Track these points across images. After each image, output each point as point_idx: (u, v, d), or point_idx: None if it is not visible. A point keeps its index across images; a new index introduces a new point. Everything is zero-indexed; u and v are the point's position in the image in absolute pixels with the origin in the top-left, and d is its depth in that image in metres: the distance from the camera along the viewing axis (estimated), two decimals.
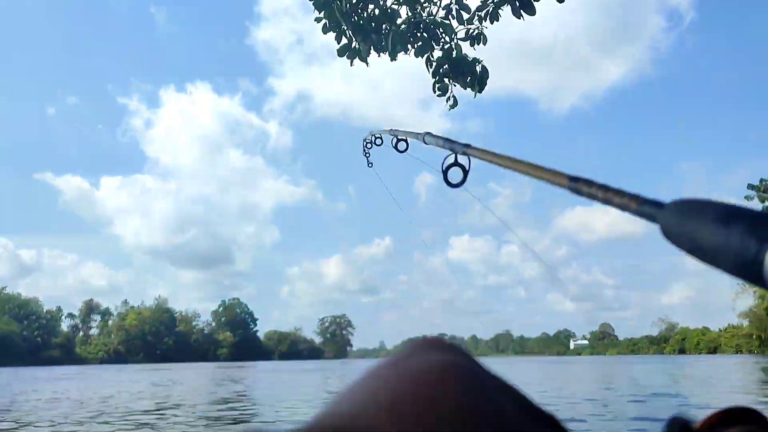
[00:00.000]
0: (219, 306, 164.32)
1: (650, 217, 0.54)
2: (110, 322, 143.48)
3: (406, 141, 1.56)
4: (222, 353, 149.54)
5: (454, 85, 5.08)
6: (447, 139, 1.09)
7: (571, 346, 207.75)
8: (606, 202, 0.63)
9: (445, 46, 5.38)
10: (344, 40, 5.75)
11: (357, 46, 5.63)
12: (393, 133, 1.62)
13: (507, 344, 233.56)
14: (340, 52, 5.77)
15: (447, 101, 5.17)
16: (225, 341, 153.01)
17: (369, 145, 2.57)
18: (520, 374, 29.41)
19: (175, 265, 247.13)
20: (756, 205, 32.75)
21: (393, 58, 5.31)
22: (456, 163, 1.10)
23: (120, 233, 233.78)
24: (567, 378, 24.89)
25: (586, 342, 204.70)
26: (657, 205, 0.55)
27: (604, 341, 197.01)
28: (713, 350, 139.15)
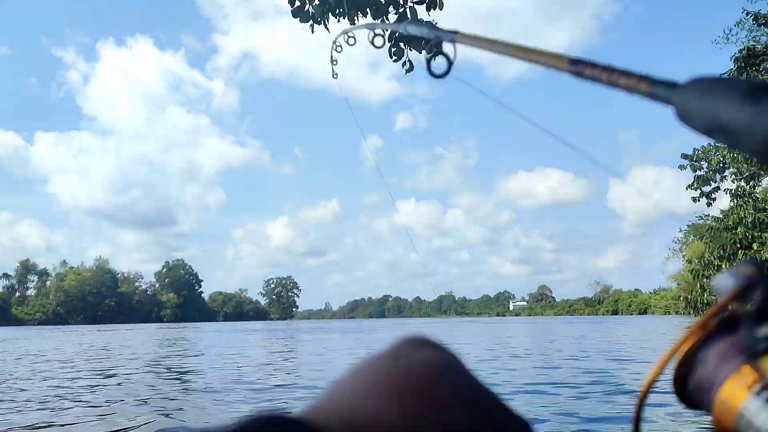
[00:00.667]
0: (163, 267, 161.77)
1: (664, 99, 0.52)
2: (48, 282, 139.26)
3: (383, 36, 1.49)
4: (165, 314, 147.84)
5: (410, 50, 5.25)
6: (432, 26, 1.05)
7: (511, 308, 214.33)
8: (611, 84, 0.61)
9: (401, 10, 5.51)
10: (297, 2, 5.77)
11: (311, 10, 5.67)
12: (370, 27, 1.55)
13: (450, 305, 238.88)
14: (295, 14, 5.80)
15: (402, 66, 5.34)
16: (169, 302, 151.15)
17: (339, 48, 2.30)
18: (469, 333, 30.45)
19: (116, 225, 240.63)
20: (689, 174, 34.32)
21: (352, 22, 5.43)
22: (440, 52, 1.04)
23: (56, 192, 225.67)
24: (509, 336, 26.07)
25: (524, 303, 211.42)
26: (670, 85, 0.53)
27: (541, 303, 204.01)
28: (644, 311, 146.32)
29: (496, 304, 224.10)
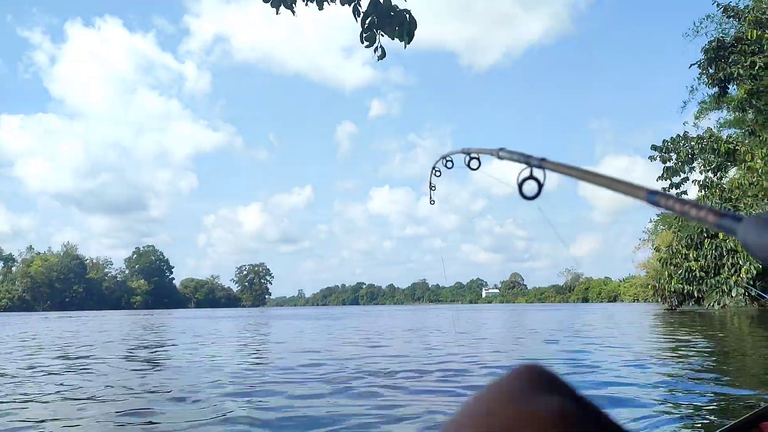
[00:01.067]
0: (133, 253, 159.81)
1: (729, 231, 0.57)
2: (14, 268, 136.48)
3: (478, 159, 1.64)
4: (136, 301, 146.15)
5: (382, 35, 5.16)
6: (522, 154, 1.18)
7: (483, 295, 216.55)
8: (683, 214, 0.67)
9: None
10: None
11: None
12: (465, 151, 1.71)
13: (423, 293, 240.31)
14: None
15: (375, 52, 5.25)
16: (139, 289, 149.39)
17: (438, 173, 2.35)
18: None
19: (84, 210, 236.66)
20: (658, 165, 34.84)
21: (320, 7, 5.32)
22: (531, 177, 1.13)
23: (23, 175, 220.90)
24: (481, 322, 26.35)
25: (497, 291, 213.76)
26: (736, 218, 0.57)
27: (513, 290, 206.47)
28: (613, 299, 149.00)
29: (469, 292, 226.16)
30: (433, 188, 2.63)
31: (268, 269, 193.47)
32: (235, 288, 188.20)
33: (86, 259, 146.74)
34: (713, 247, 30.80)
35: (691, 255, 32.78)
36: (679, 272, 33.49)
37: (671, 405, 5.40)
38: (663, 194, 0.70)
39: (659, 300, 39.94)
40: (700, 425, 4.59)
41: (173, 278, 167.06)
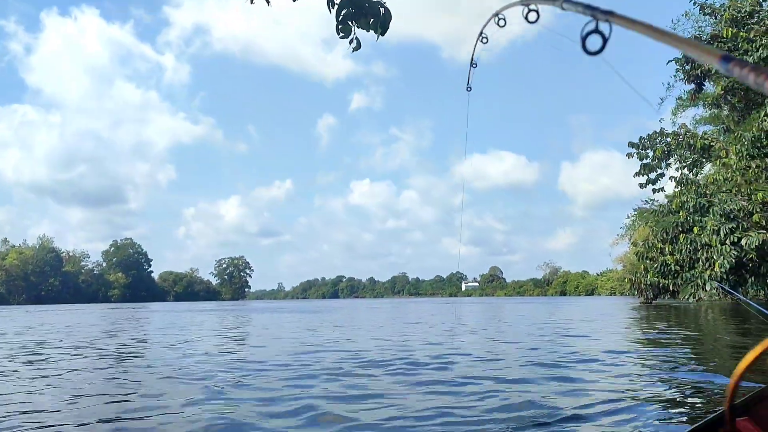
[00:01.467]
0: (110, 246, 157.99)
1: None
2: None
3: (537, 11, 1.53)
4: (113, 294, 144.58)
5: (357, 27, 5.15)
6: (588, 6, 1.10)
7: (463, 288, 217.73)
8: (758, 86, 0.61)
9: None
10: None
11: None
12: (524, 2, 1.58)
13: (403, 286, 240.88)
14: None
15: (350, 43, 5.24)
16: (117, 282, 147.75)
17: (485, 40, 2.08)
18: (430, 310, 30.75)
19: (61, 203, 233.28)
20: (635, 162, 35.25)
21: None
22: (596, 30, 1.07)
23: None
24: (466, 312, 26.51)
25: (476, 284, 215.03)
26: None
27: (492, 283, 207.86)
28: (591, 292, 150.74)
29: (449, 285, 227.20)
30: (474, 65, 2.48)
31: (247, 262, 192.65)
32: (214, 281, 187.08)
33: (62, 252, 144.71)
34: (688, 242, 31.24)
35: (666, 249, 33.23)
36: (655, 266, 33.94)
37: (649, 394, 5.49)
38: (738, 61, 0.64)
39: (635, 293, 40.46)
40: (676, 413, 4.67)
41: (152, 271, 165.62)
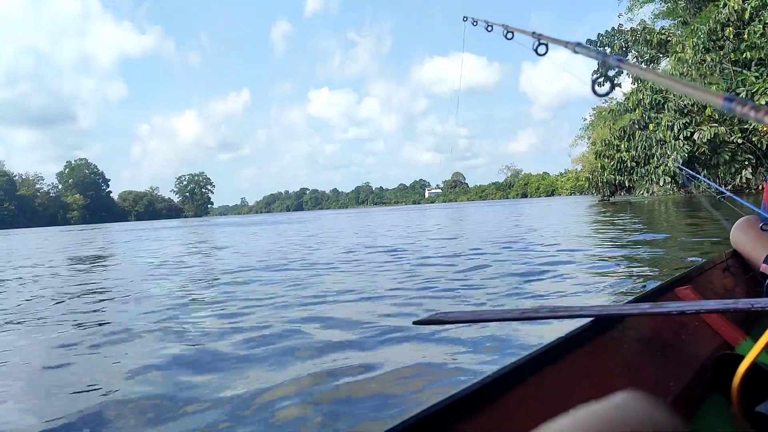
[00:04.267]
0: (65, 167, 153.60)
1: None
2: None
3: (546, 45, 1.58)
4: (73, 216, 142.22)
5: None
6: (600, 52, 1.17)
7: (426, 195, 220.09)
8: (758, 121, 0.68)
9: None
10: None
11: None
12: (536, 35, 1.62)
13: (367, 196, 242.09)
14: None
15: None
16: (75, 204, 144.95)
17: (491, 29, 2.13)
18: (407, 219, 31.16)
19: (6, 124, 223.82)
20: (594, 60, 35.23)
21: None
22: (605, 76, 1.16)
23: None
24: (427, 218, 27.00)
25: (439, 191, 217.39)
26: None
27: (456, 189, 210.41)
28: (551, 193, 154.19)
29: (413, 193, 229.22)
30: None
31: (208, 178, 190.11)
32: (176, 199, 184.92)
33: (15, 176, 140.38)
34: (644, 138, 31.92)
35: (623, 146, 33.95)
36: (612, 164, 34.78)
37: (600, 275, 5.80)
38: (739, 101, 0.71)
39: (594, 192, 41.62)
40: (623, 291, 4.97)
41: (110, 191, 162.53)
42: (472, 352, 3.16)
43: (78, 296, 6.69)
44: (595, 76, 1.15)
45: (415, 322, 1.50)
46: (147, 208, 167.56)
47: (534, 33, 1.76)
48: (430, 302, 4.89)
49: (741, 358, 1.40)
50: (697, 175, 3.27)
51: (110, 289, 7.26)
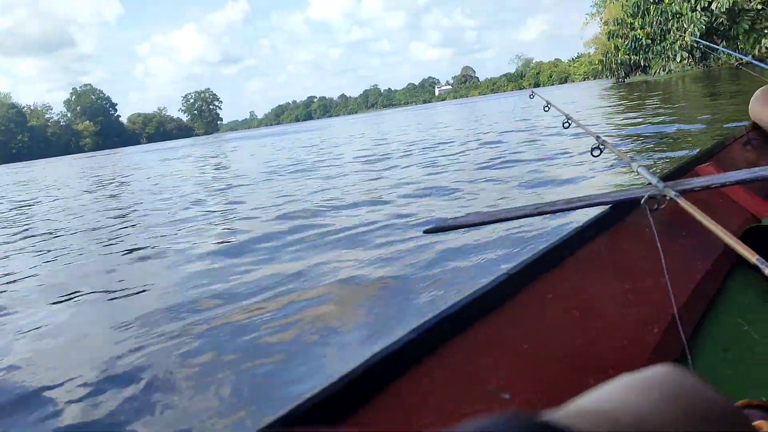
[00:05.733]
0: (71, 94, 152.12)
1: None
2: None
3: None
4: (86, 144, 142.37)
5: None
6: (590, 132, 1.38)
7: (436, 93, 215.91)
8: None
9: None
10: None
11: None
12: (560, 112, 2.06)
13: (376, 99, 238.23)
14: None
15: None
16: (86, 131, 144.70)
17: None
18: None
19: (7, 54, 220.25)
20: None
21: None
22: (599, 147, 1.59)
23: None
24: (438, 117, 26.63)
25: (449, 87, 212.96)
26: None
27: (466, 84, 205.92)
28: (564, 80, 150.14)
29: (422, 91, 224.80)
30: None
31: (215, 94, 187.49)
32: (185, 118, 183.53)
33: (23, 107, 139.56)
34: (659, 13, 30.64)
35: (637, 23, 32.65)
36: (626, 43, 33.60)
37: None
38: None
39: (607, 75, 40.48)
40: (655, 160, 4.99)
41: (119, 116, 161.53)
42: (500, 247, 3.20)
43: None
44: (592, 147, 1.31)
45: (425, 231, 1.46)
46: (157, 129, 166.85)
47: (548, 103, 1.81)
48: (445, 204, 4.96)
49: None
50: (716, 46, 3.20)
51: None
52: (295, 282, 2.96)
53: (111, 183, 13.57)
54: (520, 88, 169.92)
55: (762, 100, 2.52)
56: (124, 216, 6.77)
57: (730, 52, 3.35)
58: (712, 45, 3.13)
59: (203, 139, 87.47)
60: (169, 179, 12.01)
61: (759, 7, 27.15)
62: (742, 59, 3.02)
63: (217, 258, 3.83)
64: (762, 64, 2.78)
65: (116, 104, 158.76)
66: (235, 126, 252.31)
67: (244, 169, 11.75)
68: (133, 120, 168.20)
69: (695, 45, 28.00)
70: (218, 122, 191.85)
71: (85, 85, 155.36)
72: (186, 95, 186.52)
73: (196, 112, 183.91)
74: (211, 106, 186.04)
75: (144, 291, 3.30)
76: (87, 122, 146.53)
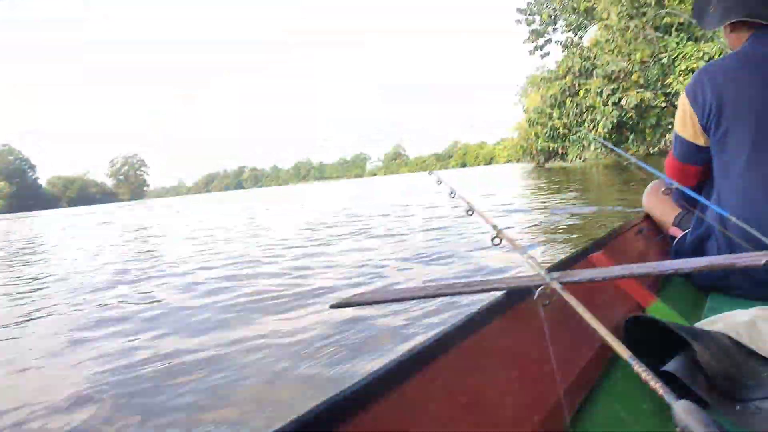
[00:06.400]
0: None
1: None
2: None
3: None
4: None
5: None
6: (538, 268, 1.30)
7: (368, 168, 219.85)
8: None
9: None
10: None
11: None
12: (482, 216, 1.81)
13: (308, 171, 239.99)
14: None
15: None
16: (1, 192, 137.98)
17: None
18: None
19: None
20: (524, 28, 35.34)
21: None
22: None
23: None
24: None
25: (380, 163, 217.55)
26: None
27: (396, 161, 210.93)
28: (489, 161, 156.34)
29: (354, 166, 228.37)
30: None
31: (142, 160, 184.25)
32: (109, 183, 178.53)
33: None
34: (574, 105, 32.61)
35: (554, 114, 34.60)
36: (545, 131, 35.44)
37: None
38: None
39: (529, 159, 42.39)
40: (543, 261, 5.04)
41: (38, 177, 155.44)
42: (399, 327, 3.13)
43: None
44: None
45: (332, 306, 1.48)
46: (79, 193, 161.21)
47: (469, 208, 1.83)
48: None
49: (651, 318, 1.42)
50: (609, 144, 3.32)
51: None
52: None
53: None
54: (447, 167, 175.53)
55: (651, 195, 2.70)
56: None
57: (619, 151, 3.44)
58: (606, 143, 3.21)
59: (130, 204, 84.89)
60: None
61: (663, 105, 29.34)
62: (629, 159, 3.12)
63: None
64: (645, 165, 2.89)
65: (35, 166, 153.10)
66: (162, 193, 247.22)
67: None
68: (53, 182, 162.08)
69: (607, 137, 29.82)
70: (145, 188, 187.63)
71: (3, 145, 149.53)
72: (112, 159, 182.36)
73: (122, 177, 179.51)
74: (138, 172, 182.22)
75: None
76: (3, 183, 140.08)
